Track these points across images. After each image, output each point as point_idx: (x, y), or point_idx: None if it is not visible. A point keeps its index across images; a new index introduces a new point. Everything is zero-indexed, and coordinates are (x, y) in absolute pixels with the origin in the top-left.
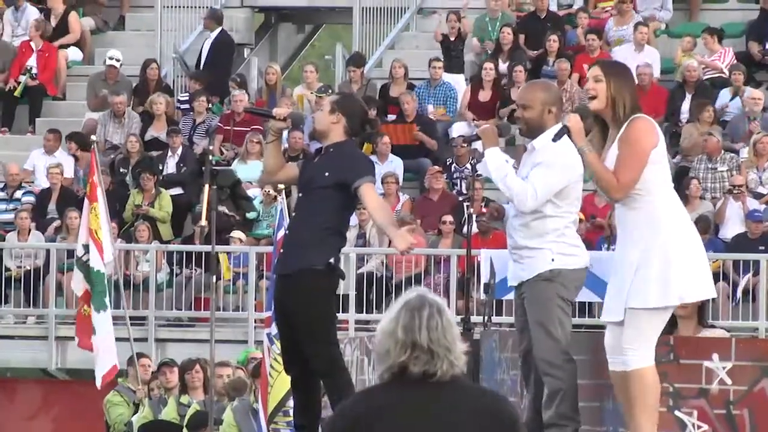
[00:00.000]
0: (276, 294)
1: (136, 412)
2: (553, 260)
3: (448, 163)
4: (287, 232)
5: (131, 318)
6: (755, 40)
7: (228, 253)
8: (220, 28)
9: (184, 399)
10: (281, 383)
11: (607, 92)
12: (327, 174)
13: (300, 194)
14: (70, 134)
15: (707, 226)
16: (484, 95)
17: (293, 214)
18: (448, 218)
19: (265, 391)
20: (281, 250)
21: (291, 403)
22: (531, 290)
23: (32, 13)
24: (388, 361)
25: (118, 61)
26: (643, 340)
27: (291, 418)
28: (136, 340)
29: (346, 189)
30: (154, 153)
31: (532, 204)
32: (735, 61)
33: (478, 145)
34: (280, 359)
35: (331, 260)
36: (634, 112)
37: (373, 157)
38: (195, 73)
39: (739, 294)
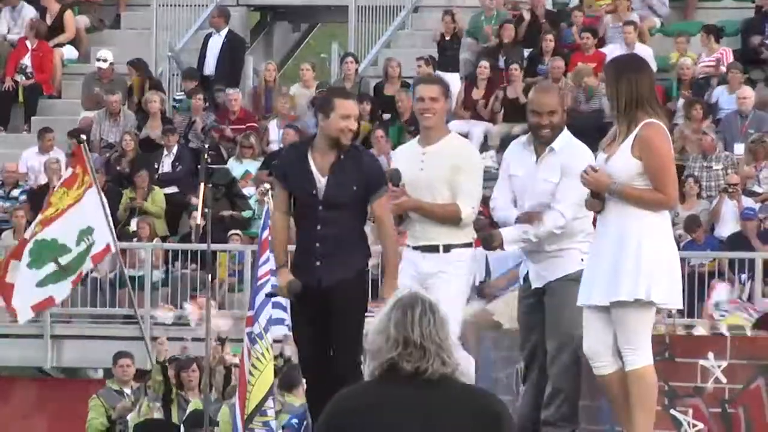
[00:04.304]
0: (311, 302)
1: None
2: (582, 260)
3: None
4: (317, 244)
5: (126, 316)
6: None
7: (227, 251)
8: (227, 28)
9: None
10: (263, 383)
11: (607, 92)
12: (355, 188)
13: (320, 208)
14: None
15: (699, 225)
16: (478, 93)
17: (318, 227)
18: None
19: (243, 391)
20: (317, 263)
21: (269, 403)
22: (559, 290)
23: (29, 12)
24: (379, 358)
25: (105, 61)
26: (638, 339)
27: (267, 418)
28: (131, 338)
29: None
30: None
31: (569, 214)
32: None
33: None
34: (263, 359)
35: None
36: (640, 107)
37: (371, 151)
38: (189, 72)
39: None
